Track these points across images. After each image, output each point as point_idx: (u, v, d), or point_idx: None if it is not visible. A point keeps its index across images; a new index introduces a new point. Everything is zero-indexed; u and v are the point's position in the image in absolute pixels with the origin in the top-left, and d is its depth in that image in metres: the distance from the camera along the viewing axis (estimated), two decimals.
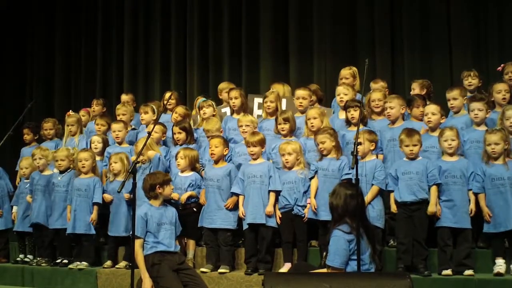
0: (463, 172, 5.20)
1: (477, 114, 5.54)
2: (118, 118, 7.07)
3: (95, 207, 6.17)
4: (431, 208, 5.13)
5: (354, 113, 5.78)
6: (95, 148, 6.67)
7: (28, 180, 6.76)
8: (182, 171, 5.97)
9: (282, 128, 5.96)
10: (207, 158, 6.08)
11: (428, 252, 5.16)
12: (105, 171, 6.49)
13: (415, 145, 5.24)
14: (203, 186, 5.89)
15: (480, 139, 5.42)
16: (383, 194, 5.36)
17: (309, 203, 5.45)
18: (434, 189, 5.18)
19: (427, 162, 5.25)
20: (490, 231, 5.13)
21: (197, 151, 6.15)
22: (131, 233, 4.60)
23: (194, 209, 5.88)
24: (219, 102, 7.35)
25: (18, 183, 7.08)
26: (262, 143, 5.71)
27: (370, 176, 5.29)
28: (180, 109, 6.85)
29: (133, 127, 7.12)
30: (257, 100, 6.86)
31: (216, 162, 5.87)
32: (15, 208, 6.88)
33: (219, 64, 9.26)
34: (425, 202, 5.17)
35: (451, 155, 5.28)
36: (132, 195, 4.56)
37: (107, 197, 6.16)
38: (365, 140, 5.32)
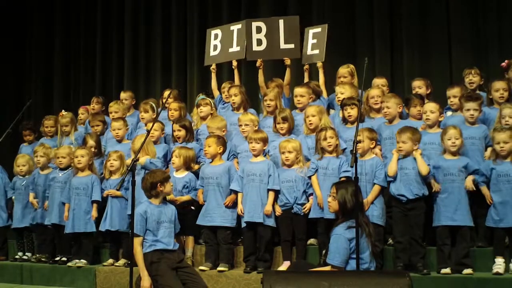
0: (462, 170, 5.19)
1: (472, 114, 5.52)
2: (111, 115, 7.11)
3: (94, 205, 6.18)
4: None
5: (351, 111, 5.78)
6: (90, 148, 6.66)
7: (23, 176, 6.77)
8: (177, 170, 5.94)
9: (281, 127, 5.95)
10: None
11: (425, 250, 5.16)
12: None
13: (404, 142, 5.21)
14: (199, 187, 5.87)
15: (473, 135, 5.45)
16: (384, 192, 5.35)
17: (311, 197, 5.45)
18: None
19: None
20: (490, 225, 5.10)
21: (193, 150, 6.09)
22: (130, 230, 4.60)
23: (192, 208, 5.88)
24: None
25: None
26: (264, 141, 5.69)
27: (370, 174, 5.28)
28: (173, 105, 6.83)
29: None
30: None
31: (211, 160, 5.87)
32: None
33: (218, 63, 9.24)
34: (421, 199, 5.16)
35: (454, 154, 5.26)
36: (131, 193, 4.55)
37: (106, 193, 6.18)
38: (365, 138, 5.30)
